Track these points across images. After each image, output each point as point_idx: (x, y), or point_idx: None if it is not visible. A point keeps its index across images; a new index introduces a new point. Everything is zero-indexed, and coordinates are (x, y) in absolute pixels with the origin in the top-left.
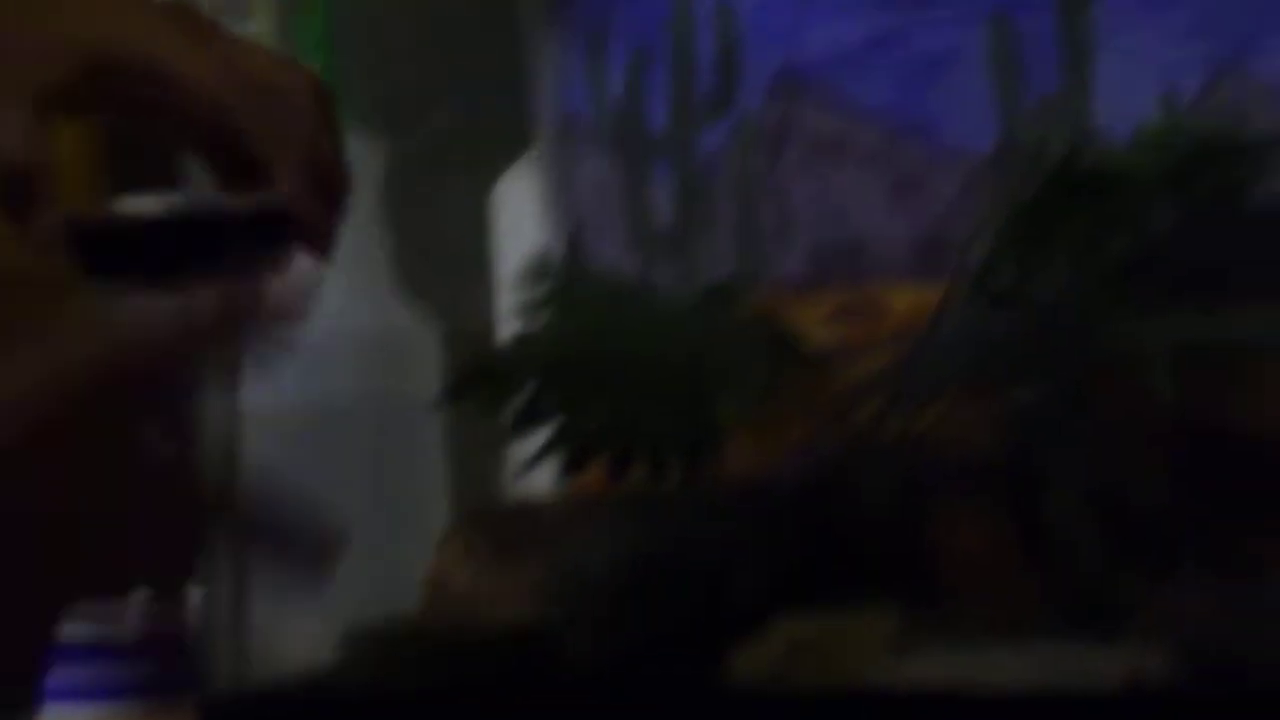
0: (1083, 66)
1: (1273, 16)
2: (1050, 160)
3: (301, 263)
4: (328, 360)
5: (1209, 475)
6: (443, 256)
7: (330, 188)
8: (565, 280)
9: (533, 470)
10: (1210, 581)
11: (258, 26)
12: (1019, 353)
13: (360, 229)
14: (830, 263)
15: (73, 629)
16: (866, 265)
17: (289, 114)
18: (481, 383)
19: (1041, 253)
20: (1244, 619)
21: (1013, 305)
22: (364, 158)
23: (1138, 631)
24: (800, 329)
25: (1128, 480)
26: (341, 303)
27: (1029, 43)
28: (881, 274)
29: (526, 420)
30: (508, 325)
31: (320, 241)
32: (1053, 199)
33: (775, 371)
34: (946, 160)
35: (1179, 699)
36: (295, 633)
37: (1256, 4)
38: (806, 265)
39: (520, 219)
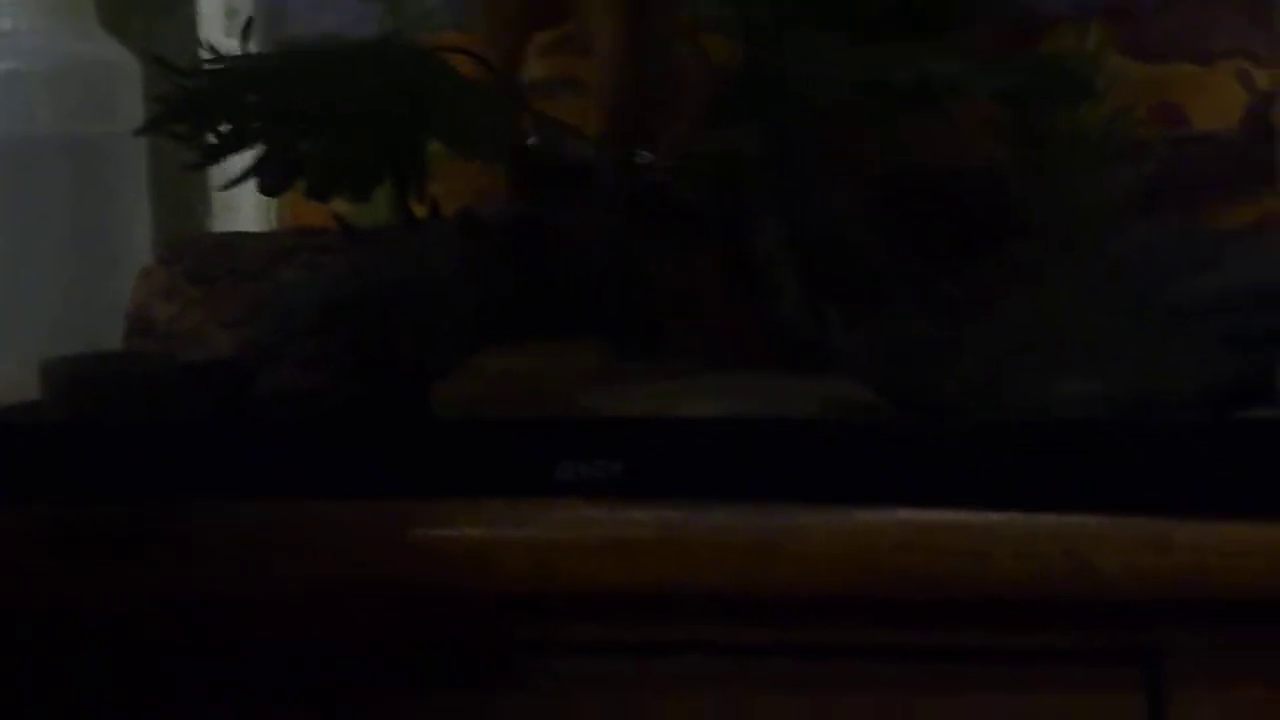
0: None
1: None
2: None
3: None
4: (29, 90)
5: (907, 213)
6: None
7: None
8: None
9: (234, 187)
10: (908, 317)
11: None
12: (735, 89)
13: None
14: None
15: None
16: None
17: None
18: (185, 112)
19: None
20: (938, 353)
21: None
22: None
23: (839, 365)
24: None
25: (831, 218)
26: (43, 32)
27: None
28: None
29: (228, 148)
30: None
31: None
32: None
33: (486, 107)
34: None
35: (874, 429)
36: None
37: None
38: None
39: None
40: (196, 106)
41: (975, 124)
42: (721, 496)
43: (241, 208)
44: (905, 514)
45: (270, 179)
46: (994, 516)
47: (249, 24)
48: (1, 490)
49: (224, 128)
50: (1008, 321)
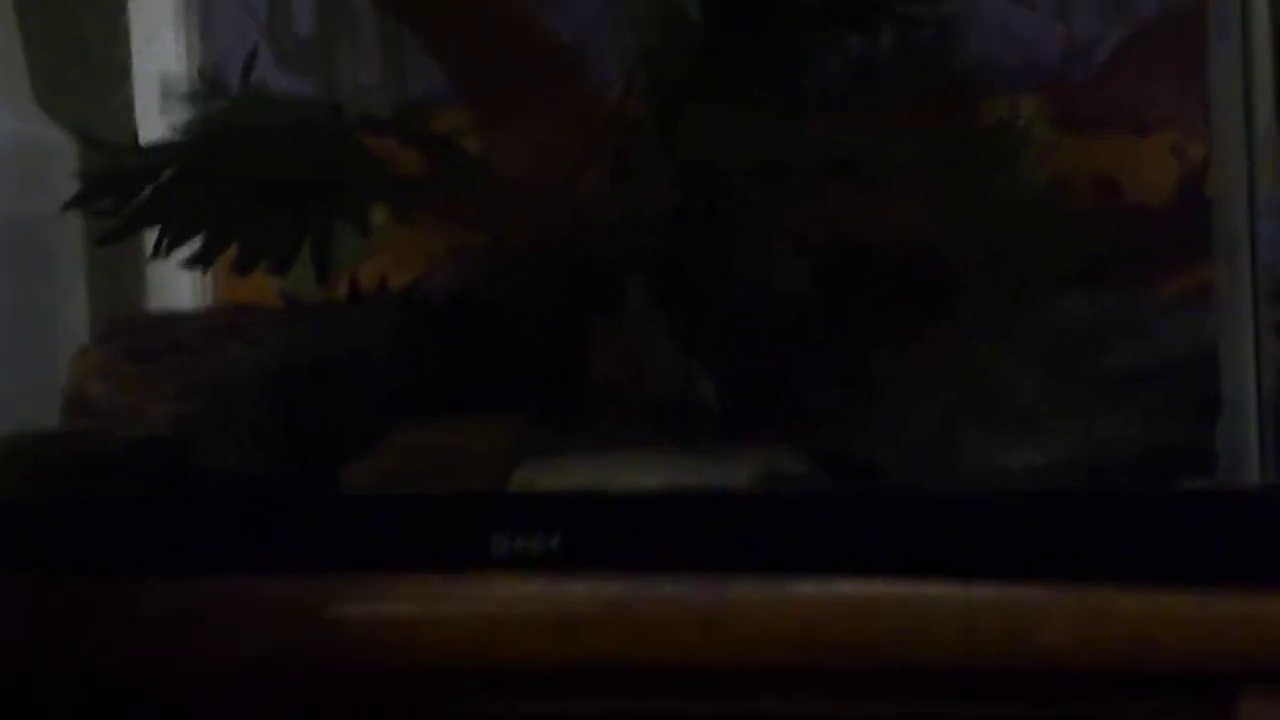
0: None
1: None
2: None
3: None
4: None
5: (843, 283)
6: (80, 67)
7: None
8: (203, 94)
9: (163, 257)
10: (841, 385)
11: None
12: (673, 160)
13: None
14: None
15: None
16: None
17: None
18: (111, 185)
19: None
20: (871, 421)
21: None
22: None
23: (771, 435)
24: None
25: (766, 288)
26: None
27: None
28: None
29: (143, 221)
30: (144, 135)
31: None
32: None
33: (425, 179)
34: None
35: (808, 496)
36: None
37: None
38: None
39: (158, 29)
40: (118, 180)
41: (912, 196)
42: (661, 569)
43: (176, 287)
44: (845, 585)
45: (196, 253)
46: (933, 588)
47: (253, 55)
48: None
49: (140, 200)
50: (945, 390)
